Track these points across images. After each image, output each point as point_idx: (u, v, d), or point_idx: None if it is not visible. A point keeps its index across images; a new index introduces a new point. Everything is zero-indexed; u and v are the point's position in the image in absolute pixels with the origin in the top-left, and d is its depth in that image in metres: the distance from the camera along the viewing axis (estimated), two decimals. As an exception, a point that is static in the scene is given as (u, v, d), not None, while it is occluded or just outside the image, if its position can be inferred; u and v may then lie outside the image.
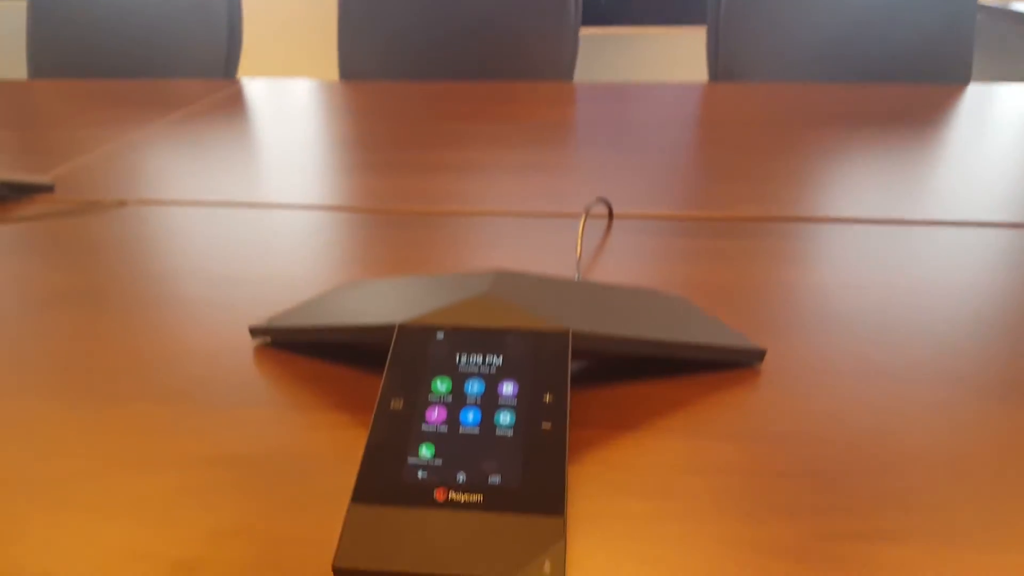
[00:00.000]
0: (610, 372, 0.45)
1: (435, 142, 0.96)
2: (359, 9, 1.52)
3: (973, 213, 0.69)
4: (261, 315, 0.52)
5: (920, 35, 1.40)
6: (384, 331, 0.40)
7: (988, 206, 0.71)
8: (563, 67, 1.48)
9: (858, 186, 0.77)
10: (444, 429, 0.35)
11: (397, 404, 0.36)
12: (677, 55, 3.08)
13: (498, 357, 0.38)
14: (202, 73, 1.54)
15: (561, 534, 0.30)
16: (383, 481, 0.32)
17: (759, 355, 0.45)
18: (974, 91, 1.21)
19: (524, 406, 0.35)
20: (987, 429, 0.39)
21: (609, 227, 0.68)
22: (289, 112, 1.13)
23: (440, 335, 0.39)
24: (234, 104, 1.19)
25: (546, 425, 0.35)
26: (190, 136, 1.00)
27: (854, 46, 1.43)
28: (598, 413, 0.41)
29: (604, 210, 0.72)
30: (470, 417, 0.35)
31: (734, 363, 0.46)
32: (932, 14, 1.39)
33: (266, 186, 0.79)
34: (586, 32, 2.92)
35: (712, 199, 0.74)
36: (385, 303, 0.45)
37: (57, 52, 1.58)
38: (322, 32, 3.21)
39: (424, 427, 0.35)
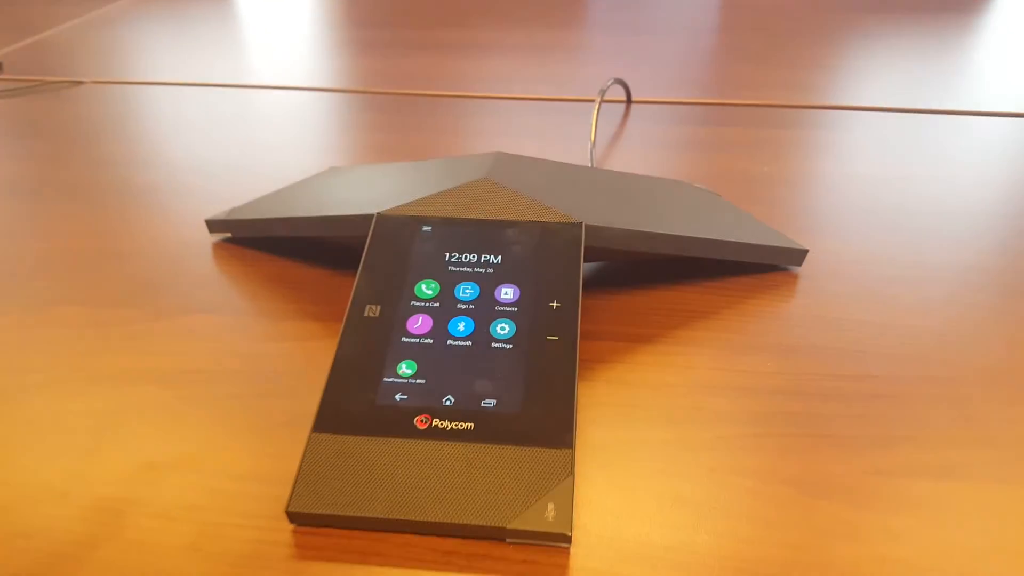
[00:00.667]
0: (627, 276, 0.38)
1: (435, 19, 0.87)
2: None
3: (1013, 102, 0.61)
4: (224, 208, 0.45)
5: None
6: (359, 222, 0.34)
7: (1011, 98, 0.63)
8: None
9: (892, 72, 0.68)
10: (429, 341, 0.29)
11: (372, 311, 0.30)
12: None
13: (496, 256, 0.31)
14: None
15: (568, 470, 0.25)
16: (352, 405, 0.27)
17: (800, 256, 0.39)
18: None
19: (526, 314, 0.29)
20: (1073, 345, 0.33)
21: (627, 112, 0.60)
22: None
23: (426, 228, 0.32)
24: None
25: (552, 337, 0.28)
26: (161, 11, 0.90)
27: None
28: (613, 323, 0.35)
29: (621, 94, 0.64)
30: (461, 327, 0.29)
31: (770, 266, 0.39)
32: None
33: (244, 65, 0.71)
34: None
35: (738, 85, 0.66)
36: (365, 192, 0.38)
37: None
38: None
39: (404, 339, 0.29)
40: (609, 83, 0.56)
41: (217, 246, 0.41)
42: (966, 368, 0.32)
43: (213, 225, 0.42)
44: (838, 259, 0.40)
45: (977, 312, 0.35)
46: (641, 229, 0.33)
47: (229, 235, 0.42)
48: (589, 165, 0.49)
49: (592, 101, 0.62)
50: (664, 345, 0.33)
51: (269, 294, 0.37)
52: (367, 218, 0.33)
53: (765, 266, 0.39)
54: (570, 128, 0.57)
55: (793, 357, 0.32)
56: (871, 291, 0.37)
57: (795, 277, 0.38)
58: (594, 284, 0.38)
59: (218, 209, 0.45)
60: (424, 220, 0.33)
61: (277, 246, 0.41)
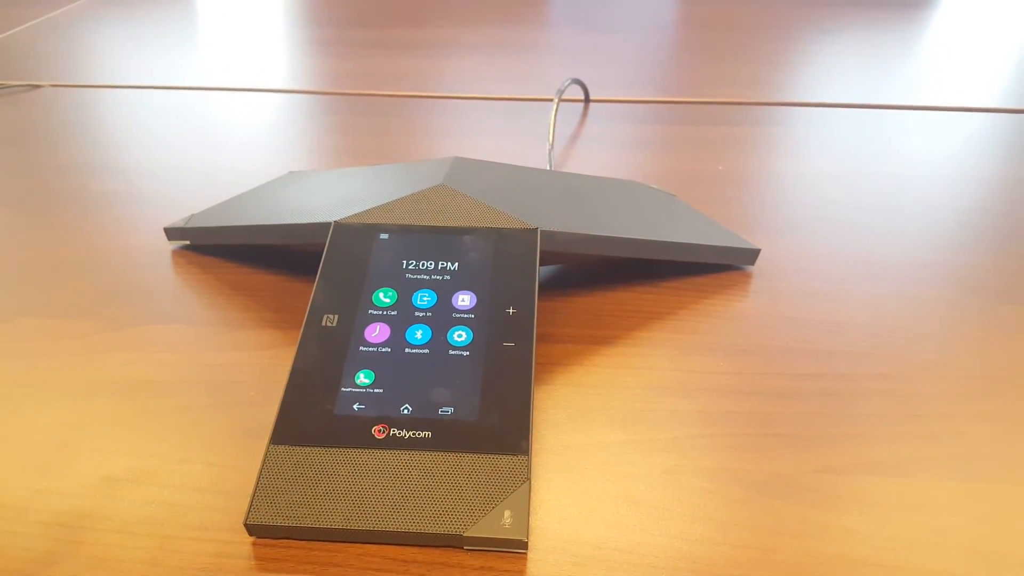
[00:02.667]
0: (584, 278, 0.39)
1: (394, 17, 0.86)
2: None
3: (967, 98, 0.63)
4: (182, 214, 0.45)
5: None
6: (316, 230, 0.34)
7: (982, 89, 0.64)
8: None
9: (847, 68, 0.69)
10: (387, 350, 0.29)
11: (330, 320, 0.30)
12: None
13: (453, 263, 0.32)
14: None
15: (524, 476, 0.25)
16: (310, 416, 0.27)
17: (753, 255, 0.40)
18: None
19: (483, 321, 0.30)
20: (1001, 337, 0.34)
21: (585, 112, 0.61)
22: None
23: (384, 236, 0.33)
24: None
25: (509, 344, 0.29)
26: (119, 12, 0.89)
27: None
28: (571, 325, 0.35)
29: (579, 93, 0.64)
30: (418, 335, 0.29)
31: (725, 266, 0.40)
32: None
33: (201, 67, 0.71)
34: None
35: (695, 82, 0.67)
36: (323, 198, 0.38)
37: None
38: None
39: (362, 348, 0.29)
40: (567, 83, 0.56)
41: (176, 254, 0.41)
42: (915, 365, 0.33)
43: (171, 233, 0.41)
44: (791, 257, 0.40)
45: (927, 308, 0.36)
46: (596, 233, 0.34)
47: (188, 242, 0.42)
48: (547, 167, 0.50)
49: (551, 100, 0.62)
50: (620, 347, 0.34)
51: (228, 302, 0.37)
52: (324, 226, 0.33)
53: (719, 266, 0.40)
54: (529, 128, 0.57)
55: (746, 357, 0.33)
56: (823, 289, 0.38)
57: (749, 276, 0.39)
58: (552, 287, 0.38)
59: (177, 215, 0.45)
60: (381, 228, 0.33)
61: (236, 253, 0.41)
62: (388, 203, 0.34)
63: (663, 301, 0.37)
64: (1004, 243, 0.42)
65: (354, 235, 0.33)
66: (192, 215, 0.42)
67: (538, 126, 0.58)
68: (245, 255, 0.41)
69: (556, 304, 0.37)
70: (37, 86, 0.66)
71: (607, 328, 0.35)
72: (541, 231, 0.32)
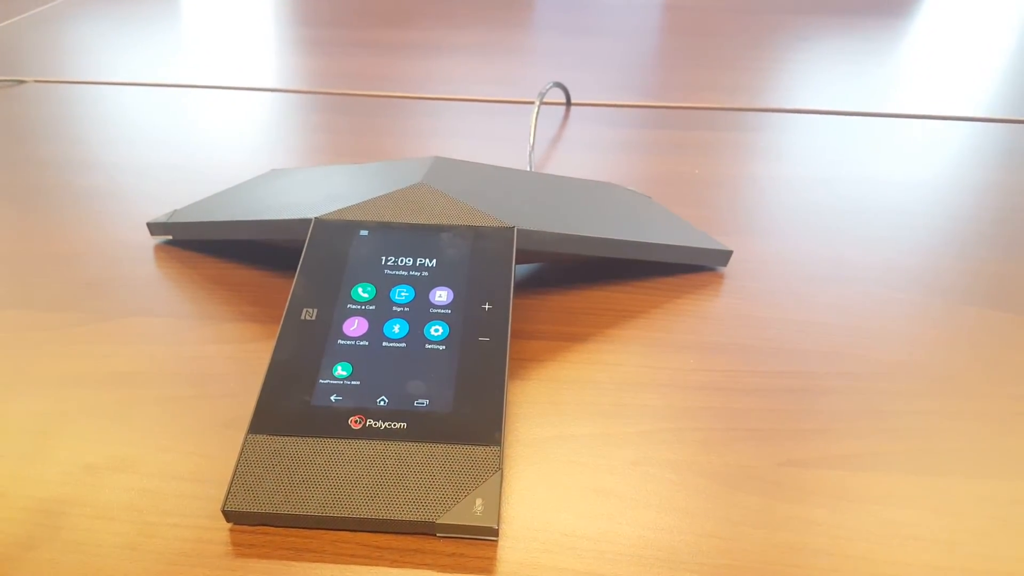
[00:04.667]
0: (559, 276, 0.40)
1: (379, 17, 0.87)
2: None
3: (940, 106, 0.64)
4: (165, 209, 0.46)
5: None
6: (297, 226, 0.34)
7: (955, 98, 0.66)
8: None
9: (824, 75, 0.71)
10: (364, 343, 0.30)
11: (309, 314, 0.30)
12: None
13: (431, 259, 0.32)
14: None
15: (496, 466, 0.26)
16: (288, 407, 0.27)
17: (725, 257, 0.40)
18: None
19: (459, 316, 0.30)
20: (968, 338, 0.35)
21: (567, 115, 0.61)
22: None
23: (363, 232, 0.33)
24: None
25: (484, 338, 0.30)
26: (106, 9, 0.89)
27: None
28: (544, 322, 0.36)
29: (561, 96, 0.65)
30: (396, 329, 0.30)
31: (698, 266, 0.41)
32: None
33: (186, 64, 0.71)
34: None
35: (676, 87, 0.68)
36: (304, 195, 0.39)
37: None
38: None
39: (340, 341, 0.30)
40: (548, 86, 0.57)
41: (158, 248, 0.42)
42: (878, 364, 0.34)
43: (154, 228, 0.42)
44: (762, 259, 0.41)
45: (892, 309, 0.37)
46: (571, 233, 0.35)
47: (170, 237, 0.42)
48: (527, 168, 0.50)
49: (532, 104, 0.63)
50: (593, 344, 0.35)
51: (209, 296, 0.38)
52: (305, 222, 0.34)
53: (692, 266, 0.41)
54: (510, 130, 0.58)
55: (715, 354, 0.34)
56: (792, 290, 0.39)
57: (721, 277, 0.40)
58: (528, 284, 0.39)
59: (160, 211, 0.45)
60: (361, 225, 0.34)
61: (218, 248, 0.41)
62: (368, 200, 0.34)
63: (636, 300, 0.38)
64: (970, 247, 0.43)
65: (334, 231, 0.33)
66: (175, 211, 0.42)
67: (519, 128, 0.58)
68: (227, 250, 0.41)
69: (531, 301, 0.38)
70: (21, 81, 0.66)
71: (580, 325, 0.36)
72: (518, 230, 0.33)
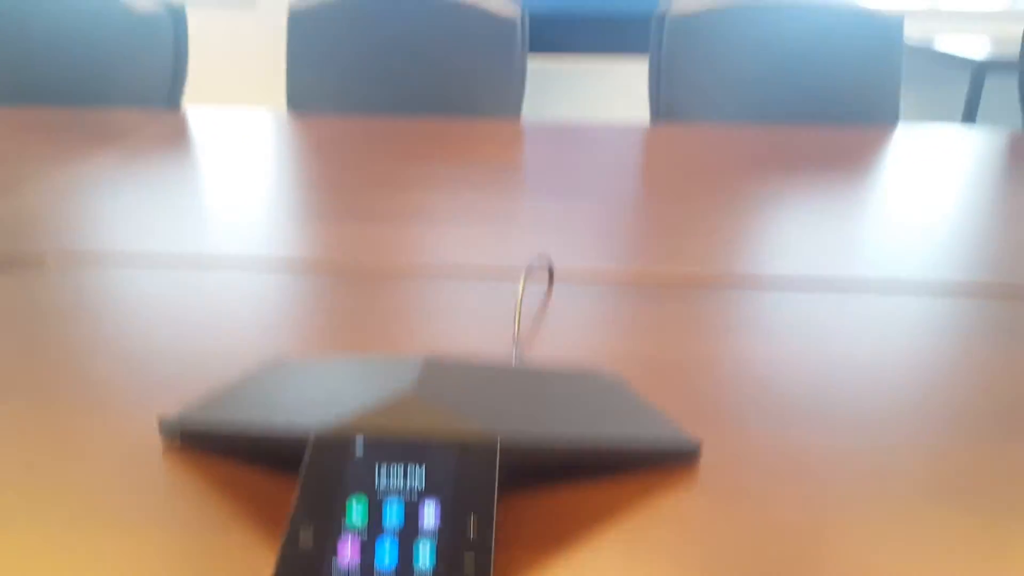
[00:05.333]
0: (541, 474, 0.42)
1: (380, 185, 0.93)
2: (308, 40, 1.49)
3: (915, 275, 0.69)
4: (174, 401, 0.49)
5: (851, 76, 1.42)
6: (297, 443, 0.37)
7: (929, 266, 0.71)
8: (511, 103, 1.46)
9: (798, 243, 0.76)
10: (356, 571, 0.32)
11: (306, 539, 0.33)
12: (622, 84, 3.11)
13: (420, 475, 0.35)
14: (145, 100, 1.48)
15: None
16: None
17: (693, 453, 0.44)
18: (904, 132, 1.23)
19: (446, 535, 0.33)
20: (946, 540, 0.38)
21: (550, 290, 0.66)
22: (232, 149, 1.09)
23: (358, 449, 0.36)
24: (175, 138, 1.15)
25: (468, 558, 0.32)
26: (124, 177, 0.95)
27: (787, 86, 1.44)
28: (527, 527, 0.39)
29: (545, 268, 0.70)
30: (386, 560, 0.32)
31: (673, 456, 0.44)
32: (862, 57, 1.41)
33: (198, 237, 0.76)
34: (534, 60, 2.92)
35: (653, 256, 0.72)
36: (304, 396, 0.42)
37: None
38: (269, 58, 3.17)
39: (334, 570, 0.32)
40: (534, 263, 0.62)
41: (168, 445, 0.44)
42: (856, 568, 0.36)
43: (165, 428, 0.45)
44: (735, 450, 0.44)
45: (852, 508, 0.40)
46: (550, 443, 0.38)
47: (179, 435, 0.45)
48: (512, 357, 0.54)
49: (518, 275, 0.68)
50: (575, 549, 0.37)
51: (212, 502, 0.40)
52: (304, 440, 0.37)
53: (667, 457, 0.44)
54: (499, 308, 0.62)
55: (692, 559, 0.36)
56: (766, 488, 0.41)
57: (695, 468, 0.43)
58: (513, 483, 0.42)
59: (169, 398, 0.48)
60: (356, 439, 0.37)
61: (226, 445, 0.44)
62: (363, 414, 0.38)
63: (613, 496, 0.40)
64: (952, 434, 0.46)
65: (331, 448, 0.36)
66: (183, 412, 0.45)
67: (506, 306, 0.63)
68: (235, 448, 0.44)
69: (516, 501, 0.40)
70: (42, 260, 0.71)
71: (561, 529, 0.38)
72: (501, 442, 0.36)
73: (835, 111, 1.43)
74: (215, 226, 0.80)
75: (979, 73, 2.34)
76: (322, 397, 0.41)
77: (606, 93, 3.12)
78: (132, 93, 1.47)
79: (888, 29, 1.39)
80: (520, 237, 0.77)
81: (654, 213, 0.85)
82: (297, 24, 1.49)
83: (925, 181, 0.98)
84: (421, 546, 0.33)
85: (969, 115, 2.36)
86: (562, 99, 3.13)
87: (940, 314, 0.62)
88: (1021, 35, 1.50)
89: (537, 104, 3.13)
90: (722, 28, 1.46)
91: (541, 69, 3.08)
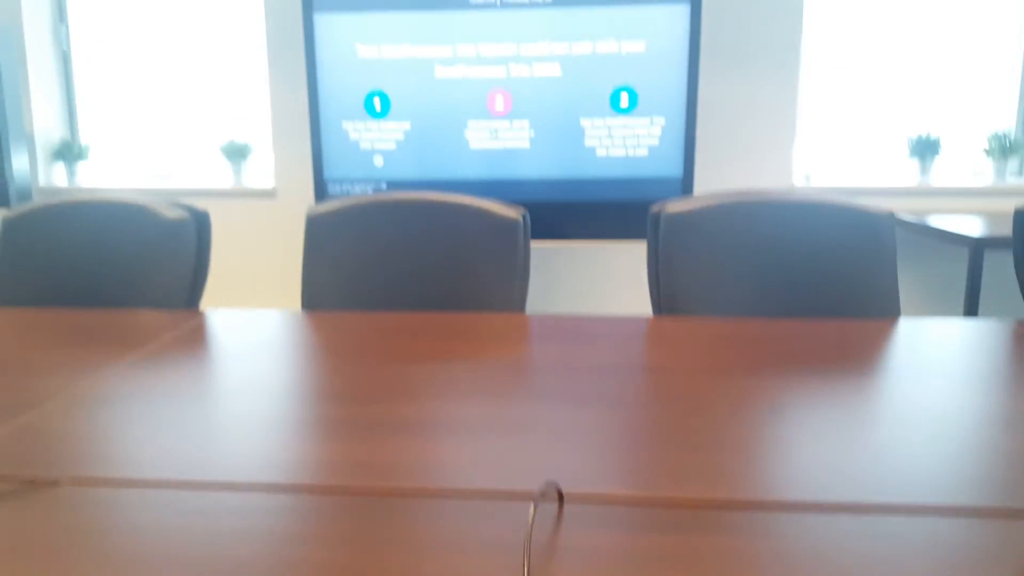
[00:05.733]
0: None
1: (387, 389, 0.95)
2: (324, 242, 1.57)
3: (928, 495, 0.69)
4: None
5: (846, 270, 1.48)
6: None
7: (941, 486, 0.71)
8: (514, 298, 1.52)
9: (810, 460, 0.77)
10: None
11: None
12: (625, 266, 3.21)
13: None
14: (166, 301, 1.54)
15: None
16: None
17: None
18: (906, 325, 1.27)
19: None
20: None
21: (560, 516, 0.66)
22: (246, 354, 1.12)
23: None
24: (194, 342, 1.19)
25: None
26: (143, 386, 0.98)
27: (784, 280, 1.50)
28: None
29: (555, 491, 0.71)
30: None
31: None
32: (855, 252, 1.47)
33: (208, 459, 0.77)
34: (537, 245, 3.04)
35: (663, 476, 0.73)
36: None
37: (17, 275, 1.58)
38: (285, 259, 3.30)
39: None
40: (541, 491, 0.62)
41: None
42: None
43: None
44: None
45: None
46: None
47: None
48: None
49: (527, 498, 0.68)
50: None
51: None
52: None
53: None
54: (507, 534, 0.62)
55: None
56: None
57: None
58: None
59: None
60: None
61: None
62: None
63: None
64: None
65: None
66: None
67: (515, 532, 0.63)
68: None
69: None
70: (56, 482, 0.72)
71: None
72: None
73: (833, 305, 1.48)
74: (225, 446, 0.81)
75: (977, 250, 2.42)
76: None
77: (607, 273, 3.22)
78: (155, 294, 1.53)
79: (879, 225, 1.47)
80: (528, 450, 0.78)
81: (661, 422, 0.86)
82: (314, 226, 1.58)
83: (931, 380, 1.00)
84: None
85: (972, 293, 2.42)
86: (564, 279, 3.23)
87: (953, 536, 0.62)
88: (1013, 214, 1.56)
89: (539, 284, 3.23)
90: (717, 224, 1.53)
91: (542, 249, 3.20)
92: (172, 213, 1.57)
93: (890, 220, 1.48)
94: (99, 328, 1.29)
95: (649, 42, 2.59)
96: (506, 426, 0.85)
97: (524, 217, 1.56)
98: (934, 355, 1.10)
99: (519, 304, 1.53)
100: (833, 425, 0.84)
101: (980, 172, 3.25)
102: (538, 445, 0.80)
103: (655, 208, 1.56)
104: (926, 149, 3.11)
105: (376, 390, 0.97)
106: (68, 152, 3.34)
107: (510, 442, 0.81)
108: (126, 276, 1.56)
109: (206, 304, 3.24)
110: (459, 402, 0.93)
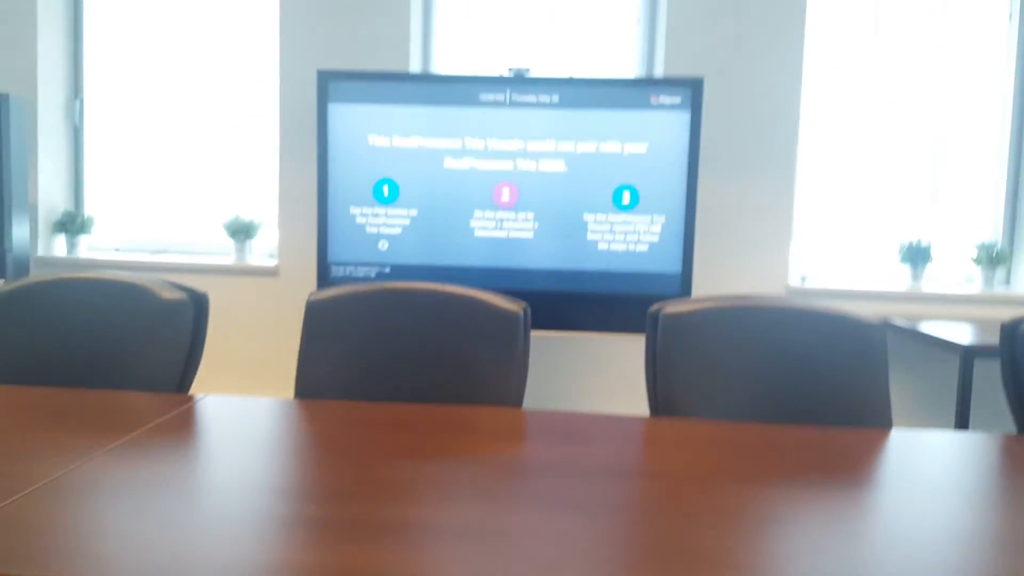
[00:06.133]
0: None
1: (375, 488, 0.95)
2: (322, 329, 1.58)
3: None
4: None
5: (838, 378, 1.49)
6: None
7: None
8: (512, 392, 1.52)
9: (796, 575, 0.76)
10: None
11: None
12: (623, 358, 3.22)
13: None
14: (158, 383, 1.54)
15: None
16: None
17: None
18: (897, 437, 1.27)
19: None
20: None
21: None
22: (235, 444, 1.12)
23: None
24: (182, 429, 1.18)
25: None
26: (125, 476, 0.97)
27: (778, 385, 1.51)
28: None
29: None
30: None
31: None
32: (847, 360, 1.49)
33: (185, 559, 0.76)
34: (537, 334, 3.05)
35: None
36: None
37: (7, 350, 1.58)
38: (284, 339, 3.31)
39: None
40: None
41: None
42: None
43: None
44: None
45: None
46: None
47: None
48: None
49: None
50: None
51: None
52: None
53: None
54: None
55: None
56: None
57: None
58: None
59: None
60: None
61: None
62: None
63: None
64: None
65: None
66: None
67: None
68: None
69: None
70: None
71: None
72: None
73: (825, 410, 1.48)
74: (204, 548, 0.81)
75: (968, 359, 2.43)
76: None
77: (605, 364, 3.22)
78: (147, 375, 1.53)
79: (871, 335, 1.49)
80: (512, 562, 0.78)
81: (652, 532, 0.86)
82: (314, 313, 1.59)
83: (921, 495, 0.99)
84: None
85: (963, 403, 2.43)
86: (562, 369, 3.23)
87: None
88: (1000, 328, 1.58)
89: (538, 373, 3.23)
90: (714, 326, 1.55)
91: (542, 339, 3.21)
92: (170, 294, 1.58)
93: (882, 330, 1.50)
94: (86, 410, 1.29)
95: (651, 144, 2.66)
96: (493, 534, 0.85)
97: (525, 311, 1.58)
98: (924, 469, 1.10)
99: (517, 397, 1.53)
100: (825, 541, 0.84)
101: (970, 279, 3.29)
102: (523, 557, 0.79)
103: (654, 308, 1.58)
104: (917, 255, 3.17)
105: (363, 488, 0.97)
106: (71, 223, 3.38)
107: (496, 552, 0.80)
108: (118, 355, 1.56)
109: (201, 382, 3.23)
110: (447, 505, 0.92)
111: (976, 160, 3.27)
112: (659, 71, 3.16)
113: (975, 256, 3.19)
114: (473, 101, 2.68)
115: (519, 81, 2.67)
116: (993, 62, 3.24)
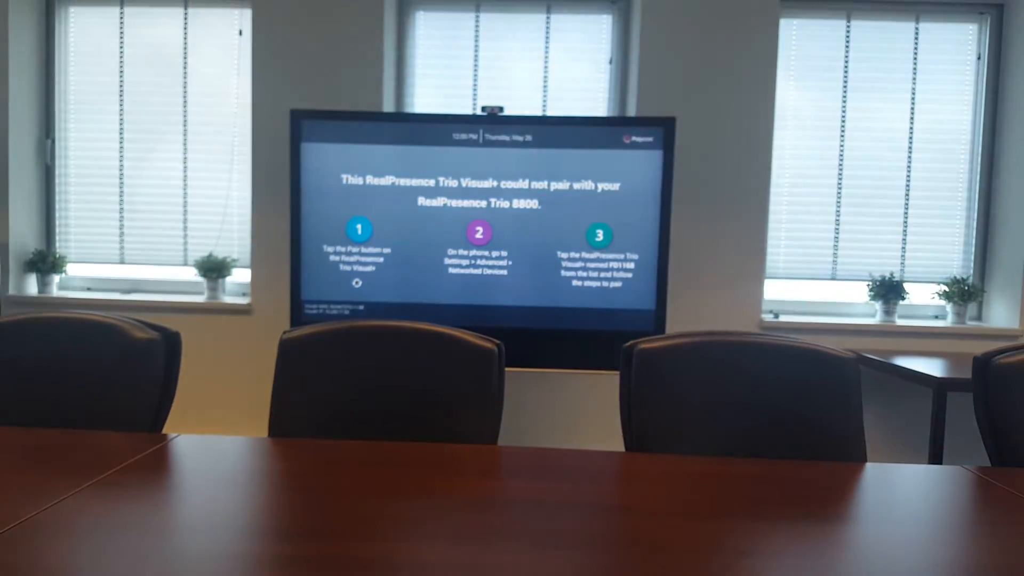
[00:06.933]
0: None
1: (349, 526, 0.93)
2: (295, 366, 1.57)
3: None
4: None
5: (811, 412, 1.50)
6: None
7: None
8: (487, 429, 1.51)
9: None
10: None
11: None
12: (597, 394, 3.22)
13: None
14: (131, 422, 1.51)
15: None
16: None
17: None
18: (872, 472, 1.28)
19: None
20: None
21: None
22: (208, 483, 1.10)
23: None
24: (154, 469, 1.16)
25: None
26: (96, 518, 0.95)
27: (755, 419, 1.52)
28: None
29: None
30: None
31: None
32: (821, 395, 1.50)
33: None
34: (511, 371, 3.05)
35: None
36: None
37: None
38: (257, 376, 3.28)
39: None
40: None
41: None
42: None
43: None
44: None
45: None
46: None
47: None
48: None
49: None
50: None
51: None
52: None
53: None
54: None
55: None
56: None
57: None
58: None
59: None
60: None
61: None
62: None
63: None
64: None
65: None
66: None
67: None
68: None
69: None
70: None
71: None
72: None
73: (799, 444, 1.49)
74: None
75: (940, 392, 2.46)
76: None
77: (580, 401, 3.22)
78: (119, 415, 1.51)
79: (845, 370, 1.50)
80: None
81: (627, 567, 0.85)
82: (287, 351, 1.58)
83: (894, 528, 1.00)
84: None
85: (936, 436, 2.45)
86: (537, 406, 3.22)
87: None
88: (972, 361, 1.61)
89: (513, 409, 3.21)
90: (688, 362, 1.56)
91: (516, 375, 3.20)
92: (142, 333, 1.56)
93: (855, 364, 1.51)
94: (58, 450, 1.26)
95: (624, 182, 2.70)
96: (469, 570, 0.84)
97: (499, 348, 1.58)
98: (899, 503, 1.11)
99: (491, 434, 1.52)
100: (800, 575, 0.83)
101: (942, 315, 3.35)
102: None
103: (628, 344, 1.58)
104: (889, 291, 3.22)
105: (338, 526, 0.95)
106: (42, 263, 3.34)
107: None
108: (90, 395, 1.54)
109: (175, 419, 3.18)
110: (422, 543, 0.91)
111: (946, 197, 3.35)
112: (631, 110, 3.21)
113: (946, 291, 3.25)
114: (446, 140, 2.71)
115: (492, 120, 2.70)
116: (963, 99, 3.33)
